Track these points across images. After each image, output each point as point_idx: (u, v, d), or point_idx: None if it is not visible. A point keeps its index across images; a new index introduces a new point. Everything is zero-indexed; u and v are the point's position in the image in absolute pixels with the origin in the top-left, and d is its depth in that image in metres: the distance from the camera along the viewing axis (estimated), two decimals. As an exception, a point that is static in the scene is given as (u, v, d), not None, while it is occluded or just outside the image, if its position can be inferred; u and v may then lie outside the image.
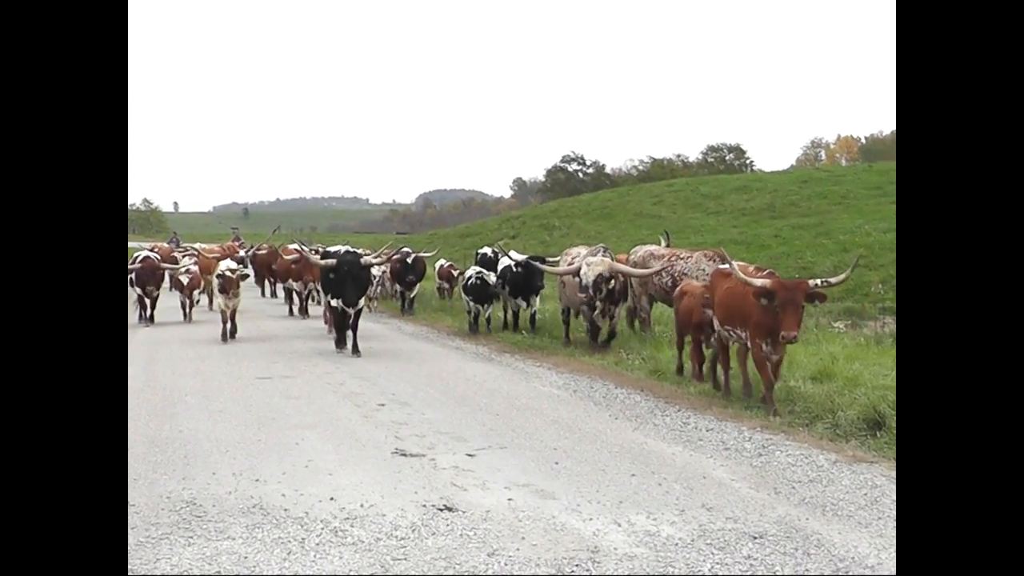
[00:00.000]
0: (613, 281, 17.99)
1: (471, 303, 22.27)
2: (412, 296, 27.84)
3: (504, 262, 22.78)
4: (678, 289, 15.93)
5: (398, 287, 28.14)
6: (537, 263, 21.31)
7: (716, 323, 13.45)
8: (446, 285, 30.56)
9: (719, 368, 13.96)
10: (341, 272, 19.04)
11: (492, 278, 21.89)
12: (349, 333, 19.20)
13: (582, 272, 17.71)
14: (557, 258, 21.97)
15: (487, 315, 22.50)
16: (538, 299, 22.09)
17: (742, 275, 12.40)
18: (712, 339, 13.96)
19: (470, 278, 22.37)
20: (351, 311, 19.11)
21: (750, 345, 12.44)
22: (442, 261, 32.56)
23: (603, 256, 18.35)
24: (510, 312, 22.82)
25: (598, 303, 18.06)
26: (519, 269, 21.47)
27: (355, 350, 18.86)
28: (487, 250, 31.26)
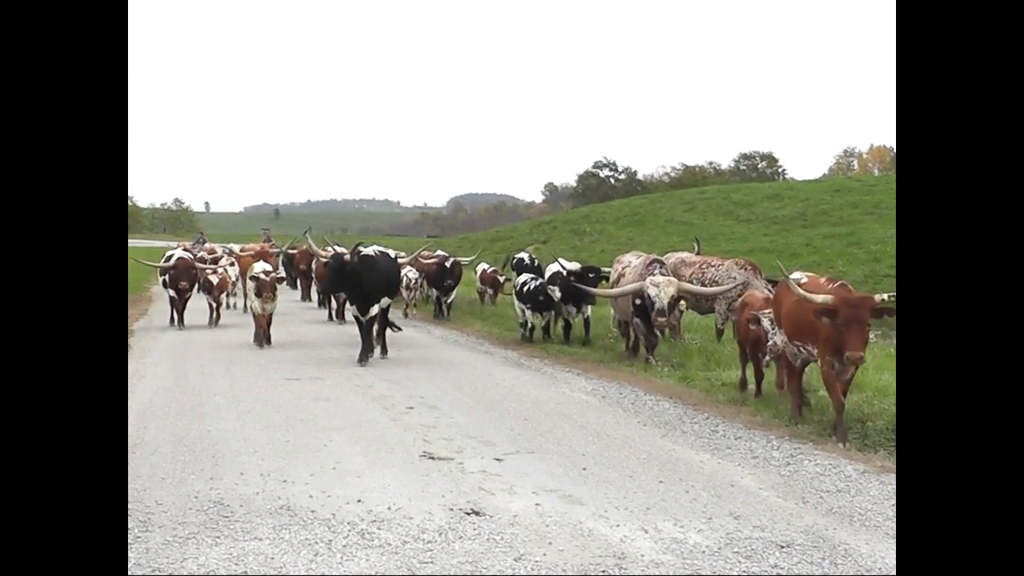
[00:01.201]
0: (682, 300, 17.47)
1: (527, 312, 21.00)
2: (449, 301, 26.95)
3: (553, 268, 21.11)
4: (740, 300, 15.49)
5: (434, 291, 27.38)
6: (591, 275, 19.90)
7: (783, 338, 12.46)
8: (489, 290, 29.81)
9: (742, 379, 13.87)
10: (329, 271, 18.29)
11: (557, 293, 20.02)
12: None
13: (653, 295, 16.61)
14: (608, 269, 20.47)
15: (542, 324, 21.09)
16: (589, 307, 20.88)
17: (800, 290, 11.32)
18: (768, 356, 13.36)
19: (526, 284, 21.07)
20: (363, 318, 18.09)
21: (819, 362, 11.45)
22: (484, 265, 31.69)
23: (659, 269, 17.35)
24: (559, 320, 21.54)
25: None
26: (572, 279, 19.83)
27: (382, 351, 18.79)
28: (523, 255, 30.74)
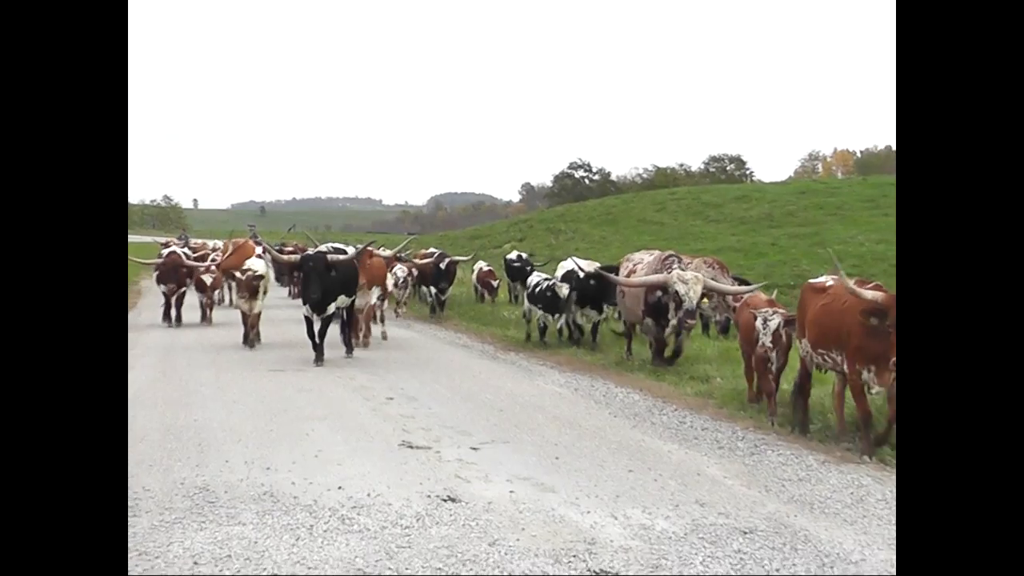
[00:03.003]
0: (704, 297, 15.65)
1: (539, 312, 19.66)
2: (444, 299, 26.20)
3: (566, 268, 19.97)
4: (741, 302, 14.08)
5: (432, 289, 26.40)
6: (609, 275, 17.93)
7: (806, 346, 11.25)
8: (484, 290, 29.47)
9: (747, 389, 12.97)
10: (306, 270, 16.82)
11: (565, 290, 18.85)
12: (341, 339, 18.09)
13: (682, 292, 14.94)
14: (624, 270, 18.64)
15: (557, 327, 19.81)
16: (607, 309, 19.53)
17: (851, 284, 10.08)
18: (771, 364, 12.04)
19: (538, 286, 19.69)
20: (317, 318, 17.02)
21: (847, 371, 10.39)
22: (481, 264, 31.26)
23: (679, 264, 15.94)
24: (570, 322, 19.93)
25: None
26: (592, 282, 18.58)
27: (347, 348, 18.07)
28: (514, 255, 30.16)
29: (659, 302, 15.71)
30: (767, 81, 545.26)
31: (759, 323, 12.01)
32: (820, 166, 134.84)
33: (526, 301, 20.55)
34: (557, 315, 19.43)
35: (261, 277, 19.75)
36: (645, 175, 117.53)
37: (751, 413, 12.26)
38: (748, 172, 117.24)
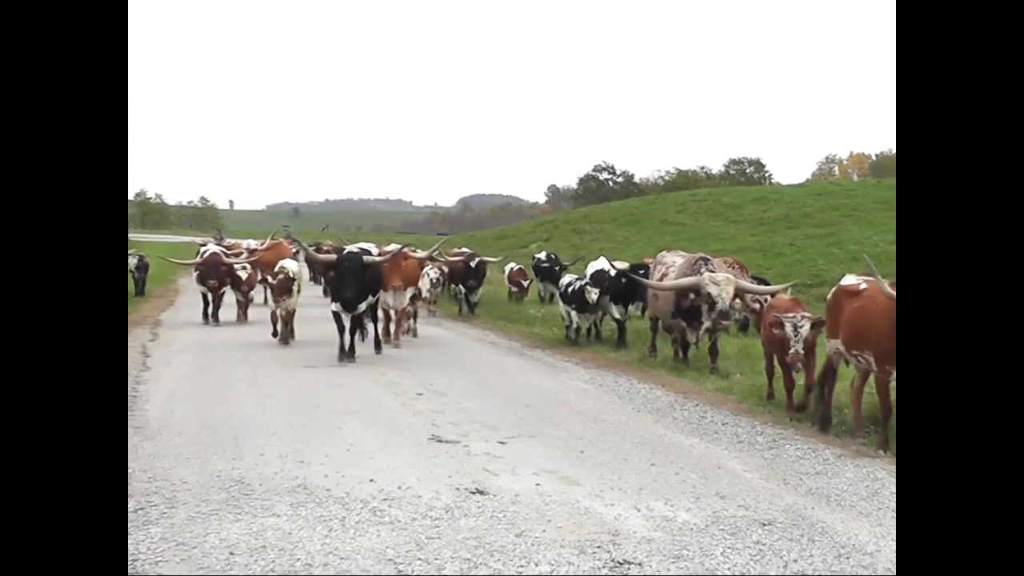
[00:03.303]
0: (736, 298, 15.32)
1: (571, 313, 19.39)
2: (475, 300, 25.95)
3: (597, 267, 19.47)
4: (768, 303, 14.05)
5: (462, 289, 26.13)
6: (641, 272, 17.90)
7: (836, 345, 11.18)
8: (515, 289, 29.35)
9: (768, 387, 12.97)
10: (341, 270, 16.60)
11: (594, 295, 18.46)
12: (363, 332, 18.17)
13: (715, 294, 14.76)
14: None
15: (587, 326, 19.69)
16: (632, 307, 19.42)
17: (887, 288, 9.86)
18: (798, 362, 11.72)
19: (571, 286, 19.36)
20: (348, 316, 17.00)
21: (876, 369, 10.35)
22: (512, 264, 31.11)
23: (707, 266, 15.50)
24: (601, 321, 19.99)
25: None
26: (623, 280, 18.40)
27: (376, 346, 18.04)
28: (543, 255, 29.77)
29: (692, 305, 15.44)
30: (786, 86, 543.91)
31: (789, 329, 11.59)
32: (836, 169, 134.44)
33: (560, 302, 20.26)
34: (588, 314, 19.31)
35: (294, 279, 19.72)
36: (667, 177, 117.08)
37: (769, 408, 12.26)
38: (767, 174, 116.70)
